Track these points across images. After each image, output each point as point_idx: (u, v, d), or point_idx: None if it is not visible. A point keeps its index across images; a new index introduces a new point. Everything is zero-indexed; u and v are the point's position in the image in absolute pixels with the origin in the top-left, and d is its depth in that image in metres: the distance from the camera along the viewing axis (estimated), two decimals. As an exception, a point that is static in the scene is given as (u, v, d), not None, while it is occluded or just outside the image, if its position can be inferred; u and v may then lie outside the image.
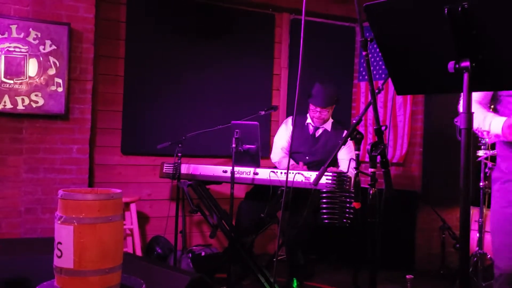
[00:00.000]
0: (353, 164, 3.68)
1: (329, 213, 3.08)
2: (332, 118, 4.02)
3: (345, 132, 3.90)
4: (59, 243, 2.14)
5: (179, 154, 3.72)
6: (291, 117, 4.13)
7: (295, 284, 3.69)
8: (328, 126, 3.98)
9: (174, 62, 4.63)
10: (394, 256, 4.36)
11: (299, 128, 3.98)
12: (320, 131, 3.97)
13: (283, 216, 3.36)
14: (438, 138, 4.62)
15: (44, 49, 3.93)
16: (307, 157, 3.91)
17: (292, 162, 3.86)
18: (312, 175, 3.29)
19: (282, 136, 4.05)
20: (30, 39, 3.89)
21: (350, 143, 3.74)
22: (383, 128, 2.07)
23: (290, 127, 3.99)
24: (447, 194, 4.52)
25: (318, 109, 3.86)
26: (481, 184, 3.88)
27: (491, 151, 3.87)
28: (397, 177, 4.84)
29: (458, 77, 1.49)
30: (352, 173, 3.69)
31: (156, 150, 3.99)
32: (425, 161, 4.68)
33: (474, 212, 3.96)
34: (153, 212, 4.61)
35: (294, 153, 3.95)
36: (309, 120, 4.00)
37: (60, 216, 2.15)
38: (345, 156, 3.86)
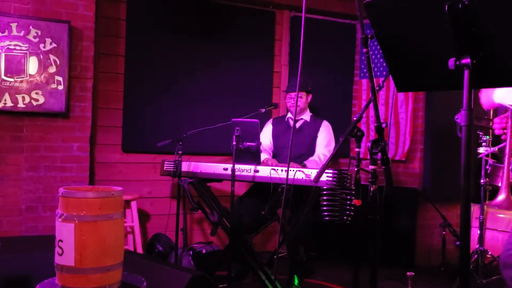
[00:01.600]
0: (325, 150, 3.81)
1: (330, 210, 3.07)
2: (311, 112, 4.14)
3: (324, 121, 4.10)
4: (60, 241, 2.15)
5: (180, 152, 3.72)
6: (271, 119, 4.36)
7: (296, 281, 3.70)
8: (307, 117, 4.10)
9: (175, 59, 4.63)
10: (395, 253, 4.37)
11: (280, 125, 4.16)
12: (300, 122, 4.08)
13: (284, 213, 3.36)
14: (439, 135, 4.62)
15: (44, 47, 3.92)
16: (292, 150, 3.93)
17: (268, 157, 4.00)
18: (312, 172, 3.30)
19: (264, 136, 4.15)
20: (30, 37, 3.88)
21: (327, 127, 4.02)
22: (383, 125, 2.07)
23: (270, 126, 4.20)
24: (447, 191, 4.52)
25: (290, 95, 4.01)
26: (482, 181, 3.88)
27: (491, 148, 3.87)
28: (397, 174, 4.84)
29: (458, 74, 1.49)
30: (320, 155, 3.86)
31: (157, 148, 3.98)
32: (426, 158, 4.68)
33: (474, 209, 3.96)
34: (154, 210, 4.61)
35: (282, 148, 4.05)
36: (289, 115, 4.15)
37: (61, 214, 2.15)
38: (323, 141, 3.99)
